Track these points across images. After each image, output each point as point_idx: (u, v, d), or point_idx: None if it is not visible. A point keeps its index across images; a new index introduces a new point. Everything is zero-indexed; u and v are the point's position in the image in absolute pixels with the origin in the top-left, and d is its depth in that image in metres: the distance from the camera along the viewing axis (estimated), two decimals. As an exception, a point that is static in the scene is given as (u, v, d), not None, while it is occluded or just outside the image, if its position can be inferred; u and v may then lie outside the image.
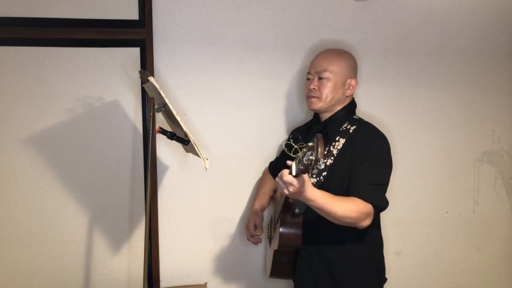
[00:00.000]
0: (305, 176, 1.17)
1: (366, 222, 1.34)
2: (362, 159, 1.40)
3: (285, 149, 1.27)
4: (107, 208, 1.84)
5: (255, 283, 2.00)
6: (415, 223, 2.09)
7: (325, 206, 1.26)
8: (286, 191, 1.18)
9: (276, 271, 1.60)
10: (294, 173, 1.10)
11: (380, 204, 1.37)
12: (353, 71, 1.56)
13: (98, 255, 1.85)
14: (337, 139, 1.48)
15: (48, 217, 1.80)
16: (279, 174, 1.18)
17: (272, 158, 1.91)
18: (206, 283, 1.95)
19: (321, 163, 1.04)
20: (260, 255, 1.99)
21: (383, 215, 1.50)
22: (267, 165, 1.92)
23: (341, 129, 1.50)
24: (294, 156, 1.15)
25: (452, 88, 2.07)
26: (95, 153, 1.81)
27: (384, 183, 1.42)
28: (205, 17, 1.84)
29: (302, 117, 1.94)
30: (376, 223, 1.53)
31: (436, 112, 2.06)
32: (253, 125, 1.92)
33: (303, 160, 1.07)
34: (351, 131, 1.49)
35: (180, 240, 1.91)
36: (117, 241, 1.87)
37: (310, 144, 1.08)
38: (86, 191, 1.82)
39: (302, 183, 1.16)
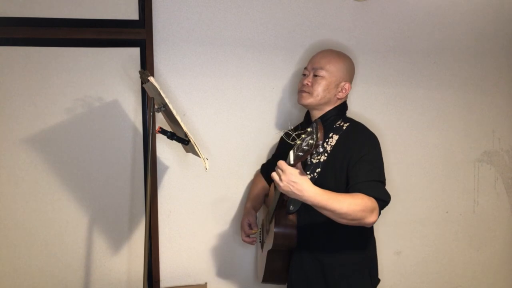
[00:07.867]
0: (302, 172, 1.15)
1: (373, 218, 1.29)
2: (357, 158, 1.39)
3: (284, 138, 1.24)
4: (107, 208, 1.84)
5: (256, 283, 2.00)
6: (415, 223, 2.09)
7: (328, 203, 1.20)
8: (281, 184, 1.16)
9: (269, 274, 1.57)
10: (291, 161, 1.07)
11: (384, 198, 1.35)
12: (349, 75, 1.56)
13: (98, 255, 1.85)
14: (330, 135, 1.49)
15: (48, 217, 1.80)
16: (277, 163, 1.16)
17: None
18: (206, 283, 1.95)
19: (320, 147, 1.01)
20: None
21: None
22: (267, 165, 1.92)
23: (334, 126, 1.51)
24: (292, 143, 1.12)
25: (451, 88, 2.07)
26: (95, 153, 1.81)
27: (382, 180, 1.41)
28: (205, 17, 1.84)
29: (302, 117, 1.94)
30: None
31: (436, 112, 2.06)
32: (253, 125, 1.92)
33: (301, 146, 1.04)
34: (344, 127, 1.49)
35: (180, 240, 1.91)
36: (117, 241, 1.87)
37: (309, 129, 1.06)
38: (86, 191, 1.82)
39: (296, 173, 1.15)
